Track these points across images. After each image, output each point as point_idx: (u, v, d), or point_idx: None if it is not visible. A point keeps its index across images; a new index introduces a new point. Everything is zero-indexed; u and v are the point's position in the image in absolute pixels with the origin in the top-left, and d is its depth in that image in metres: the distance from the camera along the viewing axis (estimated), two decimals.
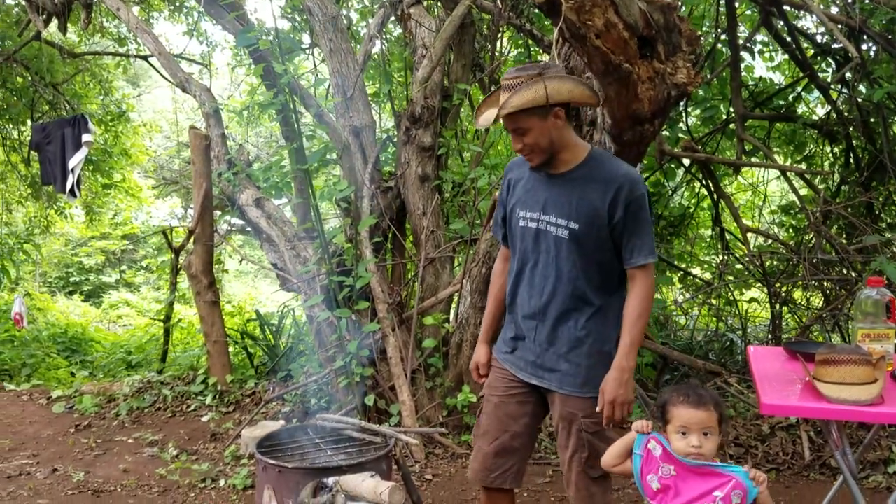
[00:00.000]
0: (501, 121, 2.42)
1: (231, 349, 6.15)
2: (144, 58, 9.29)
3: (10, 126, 9.72)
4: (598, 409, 2.43)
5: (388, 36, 6.72)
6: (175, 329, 7.77)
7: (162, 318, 6.77)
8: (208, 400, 5.42)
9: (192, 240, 5.77)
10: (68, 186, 6.96)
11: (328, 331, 4.87)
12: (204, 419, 5.14)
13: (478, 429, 2.72)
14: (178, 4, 9.02)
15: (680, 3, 3.00)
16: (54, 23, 7.12)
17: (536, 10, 5.10)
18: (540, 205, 2.50)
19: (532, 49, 6.36)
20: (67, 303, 12.64)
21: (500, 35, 6.30)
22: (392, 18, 5.85)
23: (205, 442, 4.76)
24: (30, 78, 8.75)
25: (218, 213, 6.08)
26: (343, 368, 4.61)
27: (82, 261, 14.66)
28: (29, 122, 8.86)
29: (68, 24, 7.21)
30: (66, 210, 11.33)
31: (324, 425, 3.11)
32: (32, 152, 7.98)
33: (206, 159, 5.67)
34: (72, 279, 14.53)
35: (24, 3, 6.87)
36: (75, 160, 6.85)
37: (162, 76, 7.80)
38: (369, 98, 5.50)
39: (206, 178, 5.65)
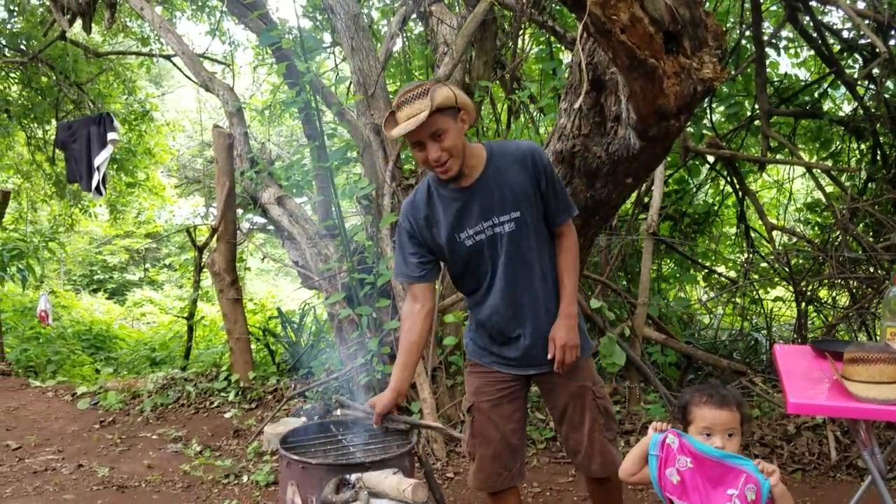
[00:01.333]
0: (408, 137, 2.36)
1: (253, 346, 6.19)
2: (168, 57, 9.38)
3: (35, 125, 9.86)
4: (549, 355, 2.50)
5: (410, 34, 6.72)
6: (198, 326, 7.83)
7: (185, 315, 6.83)
8: (231, 396, 5.46)
9: (215, 238, 5.81)
10: (94, 184, 7.03)
11: (349, 328, 4.88)
12: (227, 415, 5.17)
13: (472, 439, 2.68)
14: (200, 4, 9.09)
15: None
16: (79, 23, 7.20)
17: (559, 6, 5.07)
18: (475, 217, 2.49)
19: (554, 46, 6.33)
20: (92, 300, 12.79)
21: (521, 32, 6.28)
22: (413, 16, 5.84)
23: (228, 438, 4.79)
24: (54, 77, 8.86)
25: (240, 211, 6.12)
26: (364, 366, 4.61)
27: (106, 259, 14.83)
28: (53, 122, 8.97)
29: (92, 24, 7.29)
30: (90, 209, 11.47)
31: (346, 421, 3.11)
32: (58, 151, 8.08)
33: (230, 158, 5.70)
34: (96, 277, 14.70)
35: (49, 2, 6.95)
36: (101, 158, 6.92)
37: (185, 76, 7.87)
38: (390, 96, 5.50)
39: (229, 177, 5.68)
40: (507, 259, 2.50)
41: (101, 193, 7.28)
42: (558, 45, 6.19)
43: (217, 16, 8.93)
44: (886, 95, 5.82)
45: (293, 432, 2.93)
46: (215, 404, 5.39)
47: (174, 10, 9.44)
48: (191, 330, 6.73)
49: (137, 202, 13.17)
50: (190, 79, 7.06)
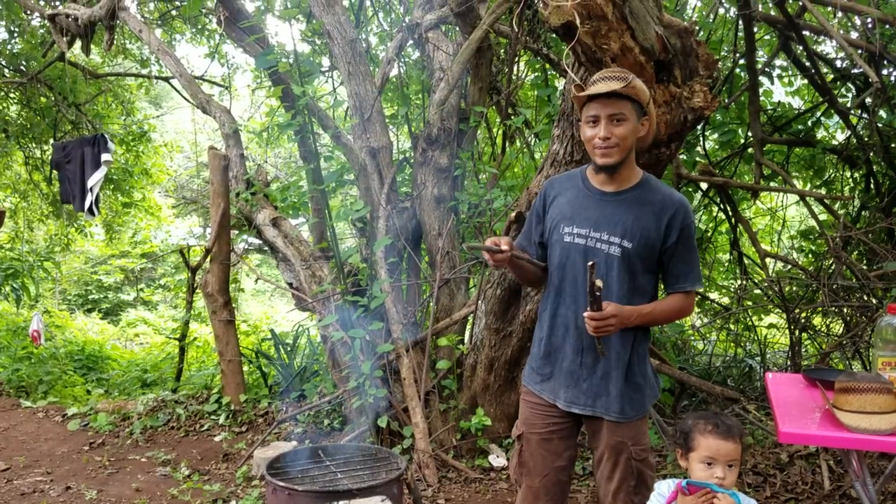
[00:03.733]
0: (592, 106, 2.35)
1: (245, 368, 6.16)
2: (166, 79, 9.43)
3: (34, 145, 9.89)
4: (590, 314, 2.31)
5: (406, 59, 6.77)
6: (190, 347, 7.80)
7: (177, 336, 6.80)
8: (221, 419, 5.42)
9: (209, 259, 5.81)
10: (86, 205, 7.04)
11: (342, 351, 4.87)
12: (217, 439, 5.13)
13: (521, 467, 2.66)
14: (199, 27, 9.16)
15: (698, 28, 3.00)
16: (78, 44, 7.25)
17: (553, 34, 5.12)
18: (591, 222, 2.45)
19: (549, 73, 6.39)
20: (86, 320, 12.73)
21: (517, 59, 6.33)
22: (410, 42, 5.89)
23: (217, 462, 4.76)
24: (53, 98, 8.90)
25: (235, 232, 6.12)
26: (356, 389, 4.59)
27: (101, 279, 14.79)
28: (51, 142, 9.00)
29: (91, 46, 7.34)
30: (86, 228, 11.47)
31: (335, 447, 3.09)
32: (53, 171, 8.10)
33: (225, 179, 5.72)
34: (90, 297, 14.65)
35: (48, 24, 6.99)
36: (94, 179, 6.93)
37: (183, 97, 7.91)
38: (386, 120, 5.53)
39: (224, 198, 5.70)
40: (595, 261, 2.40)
41: (93, 214, 7.29)
42: (553, 73, 6.25)
43: (216, 39, 9.00)
44: (879, 124, 5.86)
45: (282, 457, 2.91)
46: (205, 427, 5.35)
47: (174, 32, 9.52)
48: (182, 351, 6.70)
49: (134, 222, 13.16)
50: (187, 100, 7.09)
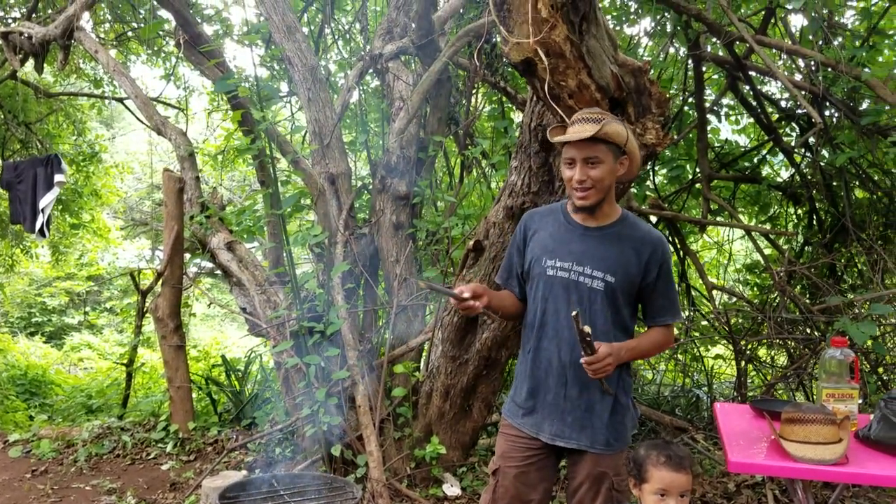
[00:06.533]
0: (566, 149, 2.41)
1: (195, 395, 6.04)
2: (120, 100, 9.30)
3: None
4: (587, 359, 2.34)
5: (366, 87, 6.83)
6: (138, 373, 7.62)
7: (125, 361, 6.65)
8: (169, 448, 5.30)
9: (160, 282, 5.72)
10: (38, 226, 6.87)
11: (296, 378, 4.82)
12: (164, 467, 5.02)
13: (494, 503, 2.65)
14: (156, 49, 9.08)
15: (650, 67, 3.11)
16: (30, 62, 7.12)
17: (511, 69, 5.23)
18: (574, 255, 2.49)
19: (506, 105, 6.51)
20: (28, 344, 12.34)
21: (475, 91, 6.44)
22: (370, 71, 5.95)
23: (164, 491, 4.64)
24: (2, 116, 8.69)
25: (188, 255, 6.04)
26: (310, 417, 4.55)
27: (45, 301, 14.36)
28: (0, 161, 8.78)
29: (44, 65, 7.21)
30: (31, 249, 11.16)
31: (289, 477, 3.06)
32: (1, 191, 7.89)
33: (179, 202, 5.65)
34: (34, 320, 14.20)
35: (1, 42, 6.86)
36: (46, 200, 6.78)
37: (137, 118, 7.81)
38: (346, 146, 5.55)
39: (178, 221, 5.63)
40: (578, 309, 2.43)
41: (44, 235, 7.12)
42: (510, 105, 6.37)
43: (172, 61, 8.93)
44: (822, 163, 6.08)
45: (233, 487, 2.87)
46: (152, 455, 5.23)
47: (129, 53, 9.41)
48: (129, 377, 6.54)
49: (81, 244, 12.85)
50: (142, 122, 7.01)
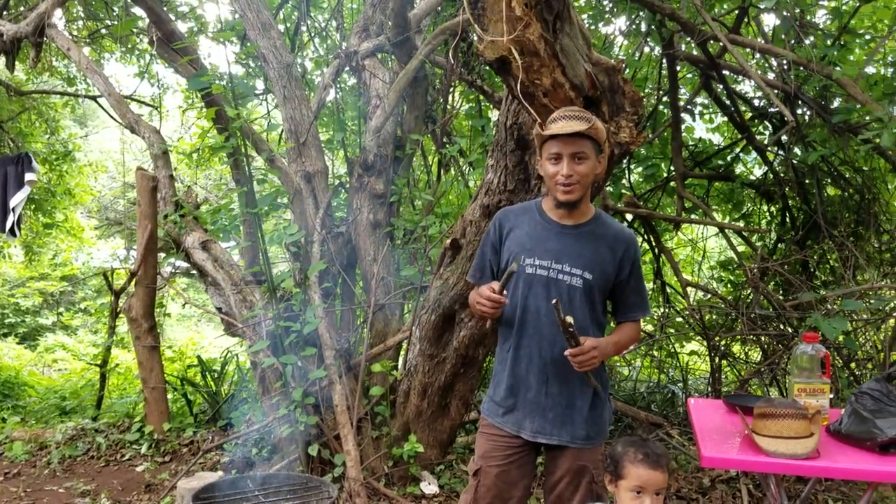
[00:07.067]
0: (554, 145, 2.42)
1: (170, 396, 5.99)
2: (93, 98, 9.19)
3: None
4: (572, 351, 2.36)
5: (343, 85, 6.80)
6: (112, 374, 7.53)
7: (98, 362, 6.57)
8: (144, 449, 5.25)
9: (133, 282, 5.66)
10: (8, 225, 6.76)
11: (273, 377, 4.79)
12: (139, 469, 4.97)
13: (475, 503, 2.65)
14: (129, 47, 8.98)
15: (624, 66, 3.13)
16: (1, 60, 7.01)
17: (487, 67, 5.24)
18: (553, 254, 2.51)
19: (483, 104, 6.51)
20: (1, 345, 12.15)
21: (452, 89, 6.44)
22: (347, 69, 5.93)
23: (139, 493, 4.60)
24: None
25: (162, 255, 5.98)
26: (287, 417, 4.52)
27: (19, 302, 14.13)
28: None
29: (16, 62, 7.10)
30: (4, 249, 10.99)
31: (264, 477, 3.04)
32: None
33: (153, 201, 5.60)
34: (7, 321, 13.96)
35: None
36: (17, 199, 6.67)
37: (111, 117, 7.72)
38: (322, 145, 5.53)
39: (152, 220, 5.57)
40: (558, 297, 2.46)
41: (15, 235, 7.00)
42: (487, 104, 6.37)
43: (146, 58, 8.83)
44: (794, 161, 6.16)
45: (208, 488, 2.85)
46: (127, 457, 5.17)
47: (103, 51, 9.30)
48: (104, 378, 6.47)
49: (54, 244, 12.68)
50: (116, 120, 6.93)
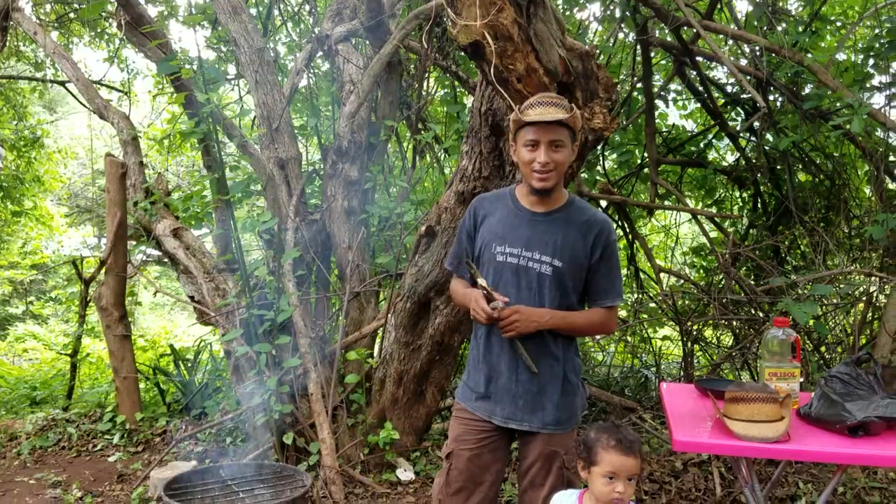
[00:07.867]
0: (532, 132, 2.40)
1: (142, 385, 5.93)
2: (62, 83, 9.00)
3: None
4: (500, 311, 2.41)
5: (316, 70, 6.73)
6: (83, 364, 7.44)
7: (69, 352, 6.48)
8: (116, 439, 5.20)
9: (103, 271, 5.57)
10: None
11: (247, 366, 4.75)
12: (111, 459, 4.91)
13: (447, 487, 2.65)
14: (98, 31, 8.80)
15: (598, 52, 3.12)
16: None
17: (462, 53, 5.21)
18: (523, 241, 2.51)
19: (458, 90, 6.48)
20: None
21: (426, 75, 6.40)
22: (320, 53, 5.86)
23: (111, 483, 4.55)
24: None
25: (133, 243, 5.89)
26: (261, 405, 4.49)
27: None
28: None
29: None
30: None
31: (238, 466, 3.02)
32: None
33: (122, 188, 5.51)
34: None
35: None
36: None
37: (80, 102, 7.58)
38: (295, 130, 5.47)
39: (121, 207, 5.49)
40: (529, 294, 2.49)
41: None
42: (462, 90, 6.34)
43: (116, 43, 8.67)
44: (766, 147, 6.21)
45: (180, 478, 2.82)
46: (98, 447, 5.11)
47: (71, 35, 9.11)
48: (74, 368, 6.38)
49: (24, 232, 12.47)
50: (85, 105, 6.80)
